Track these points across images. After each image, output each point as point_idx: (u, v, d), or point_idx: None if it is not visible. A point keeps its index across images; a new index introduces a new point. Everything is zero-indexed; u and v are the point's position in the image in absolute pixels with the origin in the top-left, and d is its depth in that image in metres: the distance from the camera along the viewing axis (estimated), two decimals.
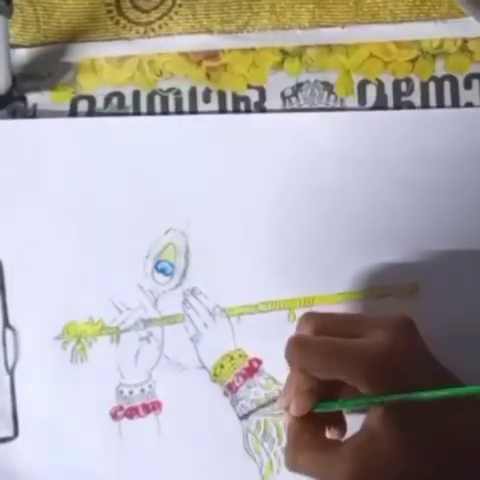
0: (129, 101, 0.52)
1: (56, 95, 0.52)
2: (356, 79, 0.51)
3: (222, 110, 0.52)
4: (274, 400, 0.48)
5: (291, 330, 0.48)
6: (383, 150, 0.50)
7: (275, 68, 0.52)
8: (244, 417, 0.48)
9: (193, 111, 0.52)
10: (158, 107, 0.52)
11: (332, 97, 0.51)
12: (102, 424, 0.49)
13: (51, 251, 0.50)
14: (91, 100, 0.52)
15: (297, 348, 0.42)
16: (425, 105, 0.51)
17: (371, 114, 0.51)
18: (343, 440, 0.42)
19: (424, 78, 0.51)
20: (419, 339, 0.42)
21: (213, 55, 0.52)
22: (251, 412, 0.48)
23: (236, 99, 0.52)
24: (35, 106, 0.52)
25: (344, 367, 0.40)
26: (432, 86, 0.51)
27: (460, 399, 0.39)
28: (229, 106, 0.52)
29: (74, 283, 0.50)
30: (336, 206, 0.50)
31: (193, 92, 0.52)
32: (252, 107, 0.52)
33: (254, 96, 0.52)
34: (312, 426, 0.42)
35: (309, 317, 0.44)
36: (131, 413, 0.49)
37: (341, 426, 0.43)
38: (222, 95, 0.52)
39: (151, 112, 0.52)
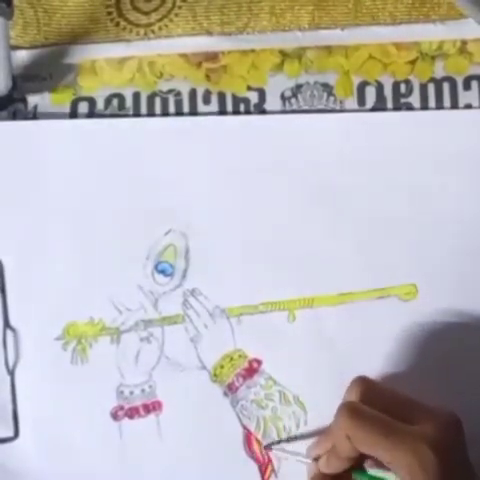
0: (129, 102, 0.52)
1: (56, 96, 0.52)
2: (355, 80, 0.51)
3: (222, 111, 0.52)
4: (300, 437, 0.48)
5: (291, 330, 0.49)
6: (382, 151, 0.50)
7: (275, 70, 0.52)
8: (268, 447, 0.48)
9: (193, 112, 0.52)
10: (158, 109, 0.52)
11: (332, 98, 0.51)
12: (103, 424, 0.49)
13: (51, 252, 0.50)
14: (91, 101, 0.52)
15: (349, 414, 0.41)
16: (424, 106, 0.51)
17: (370, 115, 0.51)
18: None
19: (423, 79, 0.51)
20: (464, 441, 0.42)
21: (213, 57, 0.52)
22: (274, 444, 0.48)
23: (236, 100, 0.52)
24: (35, 107, 0.52)
25: (390, 451, 0.40)
26: (431, 87, 0.51)
27: None
28: (229, 107, 0.52)
29: (74, 284, 0.50)
30: (336, 207, 0.50)
31: (193, 93, 0.52)
32: (252, 108, 0.52)
33: (254, 97, 0.52)
34: None
35: (360, 382, 0.44)
36: (131, 413, 0.49)
37: None
38: (222, 96, 0.52)
39: (151, 113, 0.52)
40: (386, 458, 0.40)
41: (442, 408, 0.42)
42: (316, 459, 0.45)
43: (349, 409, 0.42)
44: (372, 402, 0.42)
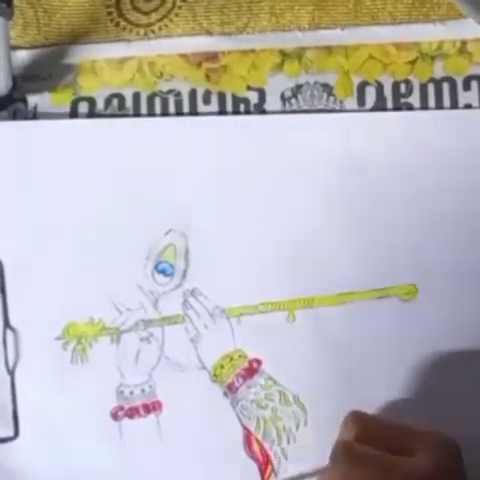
0: (129, 103, 0.52)
1: (56, 97, 0.52)
2: (355, 80, 0.51)
3: (222, 111, 0.52)
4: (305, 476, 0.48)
5: (291, 330, 0.49)
6: (382, 151, 0.50)
7: (275, 70, 0.52)
8: None
9: (193, 112, 0.52)
10: (158, 109, 0.52)
11: (331, 98, 0.51)
12: (102, 424, 0.49)
13: (51, 252, 0.50)
14: (91, 102, 0.52)
15: (344, 456, 0.41)
16: (424, 106, 0.51)
17: (370, 115, 0.51)
18: None
19: (423, 80, 0.51)
20: (463, 468, 0.41)
21: (213, 57, 0.52)
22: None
23: (236, 100, 0.52)
24: (36, 107, 0.52)
25: None
26: (431, 87, 0.51)
27: None
28: (229, 108, 0.52)
29: (74, 284, 0.50)
30: (336, 207, 0.50)
31: (193, 94, 0.52)
32: (252, 108, 0.52)
33: (254, 98, 0.52)
34: None
35: (355, 419, 0.43)
36: (131, 413, 0.49)
37: None
38: (222, 97, 0.52)
39: (151, 114, 0.52)
40: None
41: (441, 435, 0.42)
42: None
43: (343, 449, 0.41)
44: (369, 436, 0.42)
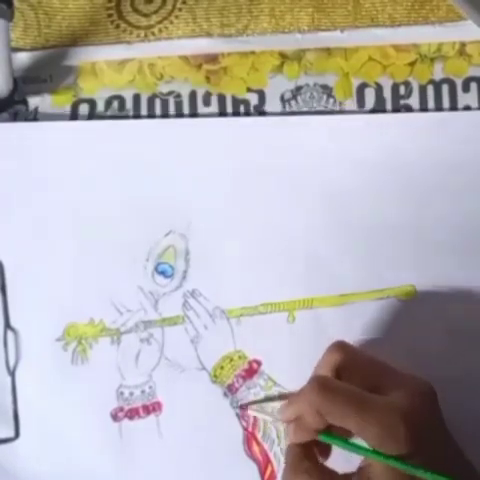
0: (129, 104, 0.52)
1: (57, 98, 0.53)
2: (355, 82, 0.51)
3: (222, 113, 0.52)
4: (273, 399, 0.48)
5: (290, 331, 0.49)
6: (382, 153, 0.50)
7: (274, 71, 0.52)
8: (242, 407, 0.48)
9: (193, 114, 0.52)
10: (158, 110, 0.52)
11: (331, 100, 0.51)
12: (103, 425, 0.49)
13: (52, 253, 0.50)
14: (92, 103, 0.52)
15: (320, 390, 0.41)
16: (423, 108, 0.51)
17: (370, 117, 0.51)
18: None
19: (422, 81, 0.51)
20: (438, 413, 0.42)
21: (213, 58, 0.52)
22: (252, 403, 0.48)
23: (236, 102, 0.52)
24: (36, 109, 0.52)
25: (359, 422, 0.40)
26: (430, 89, 0.51)
27: None
28: (229, 109, 0.52)
29: (75, 285, 0.50)
30: (336, 208, 0.50)
31: (193, 95, 0.52)
32: (252, 110, 0.52)
33: (254, 99, 0.52)
34: (311, 452, 0.43)
35: (339, 348, 0.44)
36: (131, 414, 0.49)
37: (327, 451, 0.44)
38: (222, 98, 0.52)
39: (151, 115, 0.52)
40: (356, 430, 0.40)
41: (417, 377, 0.43)
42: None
43: (320, 384, 0.41)
44: (349, 370, 0.43)
